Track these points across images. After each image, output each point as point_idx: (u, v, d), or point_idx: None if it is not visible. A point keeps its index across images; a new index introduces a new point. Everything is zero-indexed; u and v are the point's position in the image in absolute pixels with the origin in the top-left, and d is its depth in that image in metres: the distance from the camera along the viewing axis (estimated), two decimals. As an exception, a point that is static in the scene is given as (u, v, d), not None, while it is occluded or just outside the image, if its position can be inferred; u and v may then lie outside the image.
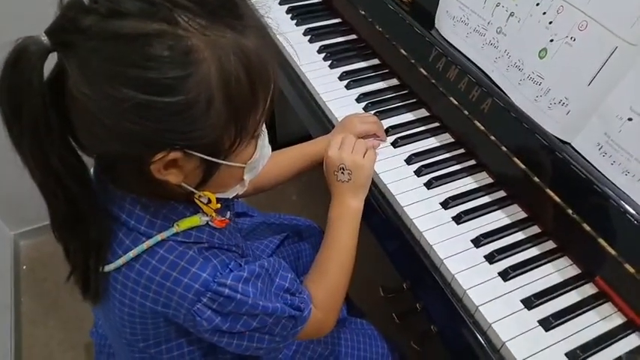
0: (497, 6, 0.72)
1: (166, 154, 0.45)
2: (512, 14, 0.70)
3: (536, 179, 0.70)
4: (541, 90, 0.67)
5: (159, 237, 0.51)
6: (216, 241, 0.55)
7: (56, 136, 0.45)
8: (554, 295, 0.65)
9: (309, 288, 0.65)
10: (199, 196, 0.52)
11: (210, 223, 0.55)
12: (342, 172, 0.73)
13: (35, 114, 0.43)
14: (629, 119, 0.58)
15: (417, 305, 0.90)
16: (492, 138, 0.76)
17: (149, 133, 0.43)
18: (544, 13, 0.65)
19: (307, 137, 0.89)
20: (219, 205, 0.54)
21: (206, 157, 0.47)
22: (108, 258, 0.52)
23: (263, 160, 0.57)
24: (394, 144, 0.86)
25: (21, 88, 0.42)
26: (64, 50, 0.42)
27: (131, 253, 0.51)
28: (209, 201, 0.53)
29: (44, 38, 0.42)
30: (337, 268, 0.69)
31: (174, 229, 0.52)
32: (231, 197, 0.58)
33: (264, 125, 0.53)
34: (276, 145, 0.69)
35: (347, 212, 0.72)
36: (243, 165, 0.53)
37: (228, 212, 0.60)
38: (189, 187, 0.51)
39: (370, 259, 0.95)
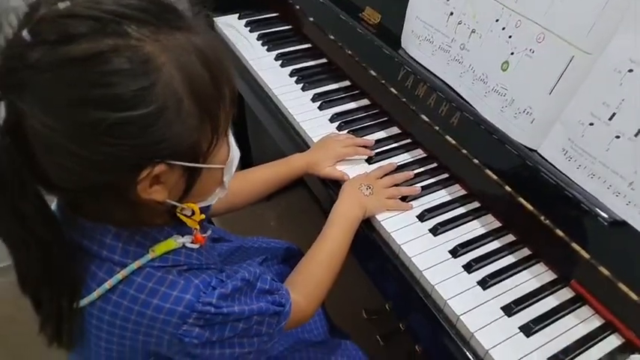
0: (459, 24, 0.75)
1: (151, 169, 0.44)
2: (473, 31, 0.73)
3: (507, 188, 0.71)
4: (506, 101, 0.69)
5: (134, 265, 0.50)
6: (194, 262, 0.54)
7: (28, 186, 0.44)
8: (533, 301, 0.66)
9: (298, 274, 0.70)
10: (182, 209, 0.52)
11: (186, 244, 0.54)
12: (368, 189, 0.78)
13: (3, 170, 0.42)
14: (591, 124, 0.61)
15: (401, 325, 0.89)
16: (464, 151, 0.77)
17: (130, 151, 0.43)
18: (503, 29, 0.68)
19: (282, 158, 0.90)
20: (203, 216, 0.54)
21: (188, 164, 0.47)
22: (82, 293, 0.51)
23: (236, 160, 0.57)
24: (369, 160, 0.87)
25: None
26: (17, 92, 0.41)
27: (106, 285, 0.49)
28: (192, 213, 0.53)
29: None
30: (328, 261, 0.72)
31: (150, 255, 0.51)
32: (213, 203, 0.58)
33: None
34: (251, 166, 0.69)
35: (350, 215, 0.76)
36: (222, 166, 0.53)
37: (207, 231, 0.60)
38: (172, 202, 0.50)
39: (352, 281, 0.95)
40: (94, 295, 0.50)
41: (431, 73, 0.83)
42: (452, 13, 0.76)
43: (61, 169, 0.44)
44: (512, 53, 0.67)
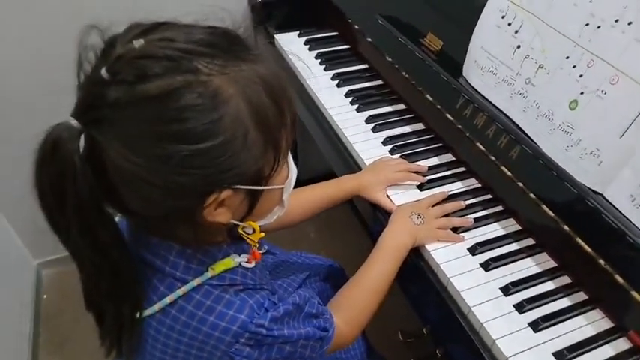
0: (525, 58, 0.74)
1: (218, 195, 0.46)
2: (541, 66, 0.72)
3: (565, 228, 0.69)
4: (572, 140, 0.67)
5: (195, 282, 0.52)
6: (249, 282, 0.56)
7: (105, 212, 0.46)
8: (587, 349, 0.64)
9: (343, 297, 0.71)
10: (243, 228, 0.54)
11: (242, 264, 0.56)
12: (419, 218, 0.77)
13: (83, 199, 0.43)
14: (663, 172, 0.58)
15: (437, 351, 0.88)
16: (520, 185, 0.76)
17: (200, 180, 0.45)
18: (574, 67, 0.67)
19: (329, 175, 0.91)
20: (263, 234, 0.56)
21: (252, 187, 0.49)
22: (144, 304, 0.53)
23: (294, 178, 0.58)
24: (420, 187, 0.86)
25: (65, 177, 0.43)
26: (96, 126, 0.43)
27: (167, 299, 0.52)
28: (253, 231, 0.55)
29: (74, 122, 0.43)
30: (374, 287, 0.73)
31: (210, 273, 0.53)
32: (272, 221, 0.59)
33: None
34: (298, 183, 0.70)
35: (400, 242, 0.75)
36: (282, 186, 0.55)
37: (263, 247, 0.62)
38: (235, 222, 0.52)
39: (389, 300, 0.95)
40: (155, 307, 0.52)
41: (491, 104, 0.82)
42: (519, 47, 0.75)
43: (137, 196, 0.46)
44: (582, 92, 0.66)
